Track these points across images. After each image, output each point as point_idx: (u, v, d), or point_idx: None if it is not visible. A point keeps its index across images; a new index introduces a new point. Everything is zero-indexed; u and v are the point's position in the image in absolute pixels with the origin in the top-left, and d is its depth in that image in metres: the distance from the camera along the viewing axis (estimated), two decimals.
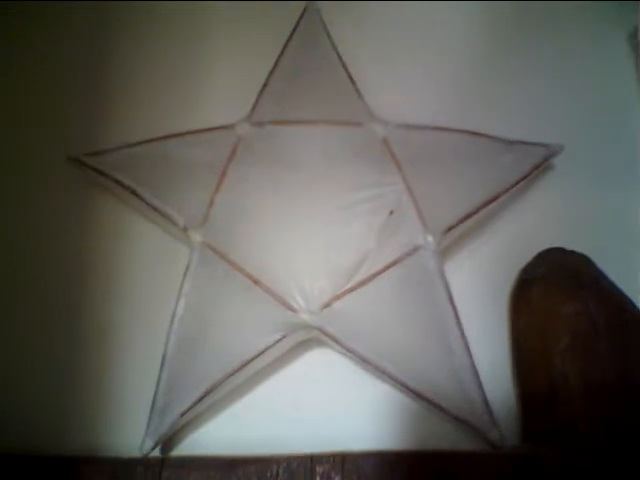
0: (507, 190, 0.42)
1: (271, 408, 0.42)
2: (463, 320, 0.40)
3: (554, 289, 0.40)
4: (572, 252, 0.42)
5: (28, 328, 0.43)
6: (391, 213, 0.41)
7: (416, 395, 0.38)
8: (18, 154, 0.48)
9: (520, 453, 0.37)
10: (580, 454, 0.35)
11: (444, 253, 0.42)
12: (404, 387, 0.39)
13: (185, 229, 0.41)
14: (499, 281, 0.43)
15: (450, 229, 0.40)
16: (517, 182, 0.42)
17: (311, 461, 0.36)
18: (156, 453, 0.39)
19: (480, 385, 0.39)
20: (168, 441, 0.40)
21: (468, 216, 0.41)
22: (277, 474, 0.36)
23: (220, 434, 0.41)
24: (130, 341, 0.43)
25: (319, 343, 0.42)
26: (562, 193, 0.46)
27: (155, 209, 0.42)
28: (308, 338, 0.42)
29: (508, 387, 0.41)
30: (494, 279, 0.44)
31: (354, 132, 0.43)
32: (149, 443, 0.38)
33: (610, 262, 0.42)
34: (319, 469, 0.36)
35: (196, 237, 0.40)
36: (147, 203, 0.42)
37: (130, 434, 0.39)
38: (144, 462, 0.37)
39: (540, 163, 0.43)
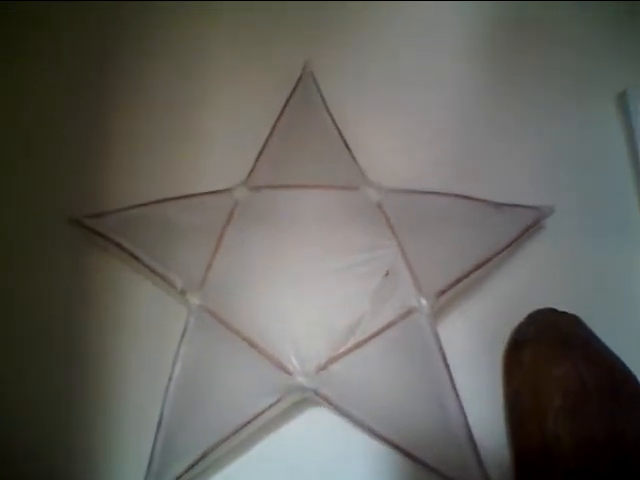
0: (498, 253, 0.43)
1: (265, 470, 0.42)
2: (457, 379, 0.40)
3: (545, 350, 0.40)
4: (563, 313, 0.43)
5: (25, 390, 0.44)
6: (387, 274, 0.42)
7: (413, 458, 0.39)
8: (18, 216, 0.49)
9: None
10: None
11: (437, 314, 0.43)
12: (398, 450, 0.39)
13: (183, 292, 0.42)
14: (492, 340, 0.44)
15: (443, 292, 0.41)
16: (508, 245, 0.43)
17: None
18: None
19: (475, 446, 0.39)
20: None
21: (460, 280, 0.42)
22: None
23: None
24: (127, 403, 0.43)
25: (314, 403, 0.42)
26: (553, 253, 0.47)
27: (153, 272, 0.42)
28: (303, 399, 0.42)
29: (502, 446, 0.41)
30: (487, 339, 0.45)
31: (349, 196, 0.44)
32: None
33: (601, 322, 0.43)
34: None
35: (194, 300, 0.41)
36: (146, 266, 0.43)
37: None
38: None
39: (530, 226, 0.45)
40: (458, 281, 0.41)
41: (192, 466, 0.38)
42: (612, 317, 0.44)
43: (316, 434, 0.42)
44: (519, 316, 0.44)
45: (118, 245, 0.43)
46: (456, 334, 0.44)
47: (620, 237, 0.48)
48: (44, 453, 0.42)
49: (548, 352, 0.40)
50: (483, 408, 0.42)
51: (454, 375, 0.40)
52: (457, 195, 0.44)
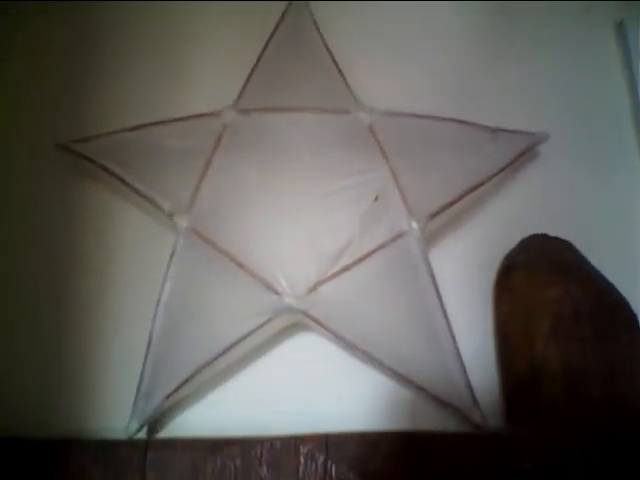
0: (491, 177, 0.42)
1: (256, 392, 0.42)
2: (447, 306, 0.40)
3: (536, 275, 0.40)
4: (555, 238, 0.42)
5: (14, 313, 0.44)
6: (376, 199, 0.41)
7: (400, 378, 0.39)
8: (4, 141, 0.48)
9: (502, 433, 0.38)
10: (562, 433, 0.36)
11: (429, 239, 0.43)
12: (387, 370, 0.39)
13: (171, 214, 0.41)
14: (483, 268, 0.44)
15: (434, 216, 0.41)
16: (501, 170, 0.43)
17: (295, 442, 0.37)
18: (142, 436, 0.39)
19: (463, 368, 0.39)
20: (153, 424, 0.41)
21: (452, 203, 0.41)
22: (261, 454, 0.36)
23: (205, 417, 0.41)
24: (116, 325, 0.43)
25: (304, 328, 0.43)
26: (546, 181, 0.47)
27: (141, 195, 0.42)
28: (293, 323, 0.42)
29: (491, 371, 0.42)
30: (478, 266, 0.44)
31: (340, 120, 0.43)
32: (134, 425, 0.39)
33: (592, 248, 0.42)
34: (303, 449, 0.36)
35: (182, 222, 0.40)
36: (133, 189, 0.42)
37: (116, 417, 0.39)
38: (129, 444, 0.38)
39: (524, 151, 0.44)
40: (450, 205, 0.41)
41: (181, 385, 0.38)
42: (605, 244, 0.44)
43: (305, 359, 0.43)
44: (511, 243, 0.44)
45: (105, 169, 0.43)
46: (447, 261, 0.44)
47: (614, 165, 0.48)
48: (36, 376, 0.42)
49: (540, 276, 0.40)
50: (473, 334, 0.42)
51: (445, 301, 0.40)
52: (452, 119, 0.43)
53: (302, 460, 0.36)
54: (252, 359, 0.42)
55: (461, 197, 0.41)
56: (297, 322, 0.42)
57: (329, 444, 0.36)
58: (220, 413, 0.41)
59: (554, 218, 0.45)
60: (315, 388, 0.42)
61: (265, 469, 0.36)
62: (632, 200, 0.46)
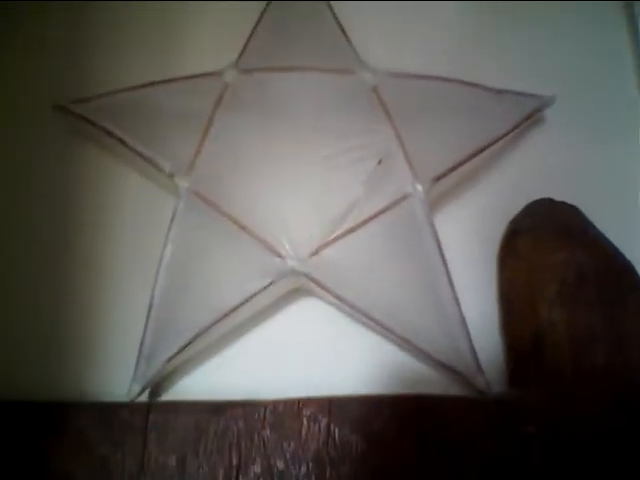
0: (497, 140, 0.42)
1: (258, 356, 0.42)
2: (452, 271, 0.40)
3: (542, 239, 0.40)
4: (561, 203, 0.42)
5: (14, 276, 0.43)
6: (379, 162, 0.40)
7: (403, 342, 0.39)
8: (2, 104, 0.47)
9: (506, 398, 0.38)
10: (566, 399, 0.36)
11: (434, 205, 0.42)
12: (391, 334, 0.39)
13: (171, 175, 0.40)
14: (488, 233, 0.43)
15: (439, 178, 0.40)
16: (508, 132, 0.42)
17: (298, 404, 0.36)
18: (143, 399, 0.39)
19: (467, 332, 0.39)
20: (155, 388, 0.41)
21: (457, 165, 0.40)
22: (264, 417, 0.36)
23: (207, 381, 0.41)
24: (118, 288, 0.42)
25: (307, 293, 0.42)
26: (553, 145, 0.46)
27: (141, 156, 0.41)
28: (296, 288, 0.42)
29: (495, 336, 0.41)
30: (483, 231, 0.44)
31: (344, 80, 0.42)
32: (136, 388, 0.38)
33: (599, 214, 0.42)
34: (306, 412, 0.36)
35: (183, 183, 0.40)
36: (133, 150, 0.41)
37: (117, 380, 0.39)
38: (131, 406, 0.37)
39: (531, 114, 0.43)
40: (455, 167, 0.40)
41: (183, 348, 0.38)
42: (611, 209, 0.43)
43: (308, 324, 0.42)
44: (517, 208, 0.43)
45: (105, 130, 0.42)
46: (452, 227, 0.43)
47: (621, 129, 0.47)
48: (37, 339, 0.42)
49: (545, 241, 0.40)
50: (477, 300, 0.42)
51: (449, 266, 0.40)
52: (458, 80, 0.42)
53: (305, 422, 0.36)
54: (255, 324, 0.42)
55: (467, 159, 0.40)
56: (300, 287, 0.41)
57: (332, 407, 0.36)
58: (223, 377, 0.41)
59: (560, 184, 0.44)
60: (318, 353, 0.42)
61: (268, 431, 0.36)
62: (639, 166, 0.46)
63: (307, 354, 0.42)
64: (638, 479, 0.34)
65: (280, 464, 0.35)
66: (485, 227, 0.44)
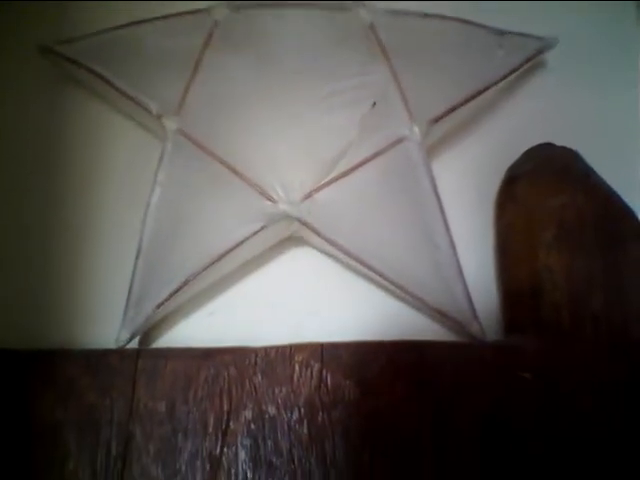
0: (497, 82, 0.40)
1: (250, 305, 0.41)
2: (449, 220, 0.39)
3: (541, 183, 0.39)
4: (561, 147, 0.40)
5: (1, 221, 0.42)
6: (374, 105, 0.39)
7: (397, 288, 0.38)
8: None
9: (502, 344, 0.37)
10: (563, 345, 0.35)
11: (431, 153, 0.41)
12: (386, 280, 0.38)
13: (159, 116, 0.39)
14: (487, 181, 0.42)
15: (437, 120, 0.39)
16: (508, 74, 0.41)
17: (290, 350, 0.36)
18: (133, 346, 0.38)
19: (463, 280, 0.38)
20: (145, 337, 0.40)
21: (455, 107, 0.39)
22: (255, 363, 0.35)
23: (198, 331, 0.40)
24: (106, 233, 0.41)
25: (300, 241, 0.41)
26: (553, 91, 0.44)
27: (128, 97, 0.40)
28: (289, 236, 0.41)
29: (492, 285, 0.41)
30: (481, 180, 0.42)
31: (339, 17, 0.41)
32: (125, 335, 0.37)
33: (600, 160, 0.40)
34: (298, 357, 0.35)
35: (170, 125, 0.38)
36: (120, 91, 0.40)
37: (107, 329, 0.38)
38: (119, 352, 0.37)
39: (533, 55, 0.42)
40: (453, 109, 0.39)
41: (173, 294, 0.37)
42: (612, 154, 0.42)
43: (301, 273, 0.42)
44: (515, 155, 0.42)
45: (91, 71, 0.40)
46: (451, 175, 0.42)
47: (622, 75, 0.45)
48: (25, 285, 0.41)
49: (544, 185, 0.38)
50: (474, 247, 0.41)
51: (446, 214, 0.39)
52: (458, 19, 0.41)
53: (297, 368, 0.35)
54: (247, 273, 0.41)
55: (466, 101, 0.39)
56: (293, 235, 0.40)
57: (324, 352, 0.35)
58: (214, 327, 0.40)
59: (560, 130, 0.42)
60: (311, 303, 0.41)
61: (259, 377, 0.35)
62: None
63: (300, 303, 0.41)
64: (634, 424, 0.34)
65: (272, 410, 0.35)
66: (483, 176, 0.43)
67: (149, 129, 0.42)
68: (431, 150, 0.41)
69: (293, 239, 0.41)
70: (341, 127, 0.38)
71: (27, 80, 0.45)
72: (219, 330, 0.40)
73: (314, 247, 0.41)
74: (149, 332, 0.40)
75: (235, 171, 0.37)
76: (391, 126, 0.38)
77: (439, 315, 0.38)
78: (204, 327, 0.41)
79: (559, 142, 0.41)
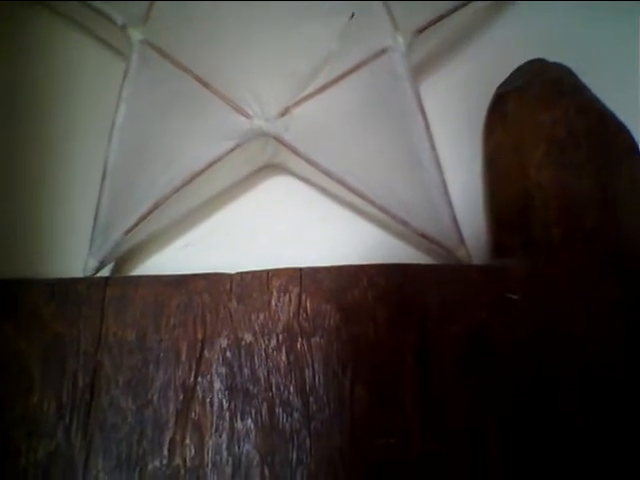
0: None
1: (227, 236, 0.39)
2: (436, 143, 0.37)
3: (532, 98, 0.36)
4: (554, 63, 0.38)
5: None
6: (352, 16, 0.36)
7: (382, 212, 0.36)
8: None
9: (489, 265, 0.35)
10: (553, 264, 0.33)
11: (418, 72, 0.39)
12: (367, 202, 0.36)
13: (124, 27, 0.36)
14: (476, 102, 0.40)
15: (422, 30, 0.36)
16: None
17: (267, 275, 0.34)
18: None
19: (449, 202, 0.36)
20: (117, 270, 0.38)
21: (441, 17, 0.36)
22: (230, 289, 0.33)
23: (173, 263, 0.38)
24: (71, 156, 0.39)
25: (278, 170, 0.39)
26: (546, 7, 0.42)
27: (91, 8, 0.37)
28: (266, 163, 0.38)
29: (479, 209, 0.39)
30: (470, 100, 0.40)
31: None
32: (92, 263, 0.35)
33: (593, 77, 0.38)
34: (276, 282, 0.33)
35: (136, 35, 0.35)
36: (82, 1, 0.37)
37: (73, 256, 0.36)
38: (87, 281, 0.34)
39: None
40: (440, 18, 0.36)
41: (142, 219, 0.35)
42: (606, 71, 0.40)
43: (279, 202, 0.40)
44: (506, 74, 0.39)
45: None
46: (438, 96, 0.40)
47: None
48: None
49: (535, 100, 0.36)
50: (462, 170, 0.39)
51: (433, 138, 0.37)
52: None
53: (275, 293, 0.33)
54: (222, 203, 0.39)
55: (452, 11, 0.36)
56: (270, 162, 0.38)
57: (304, 277, 0.33)
58: (188, 258, 0.38)
59: (553, 48, 0.40)
60: (290, 232, 0.39)
61: (235, 303, 0.33)
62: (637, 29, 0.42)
63: (279, 233, 0.39)
64: (628, 345, 0.32)
65: (248, 337, 0.33)
66: (472, 97, 0.40)
67: (118, 50, 0.39)
68: (416, 71, 0.39)
69: (271, 167, 0.39)
70: (319, 38, 0.36)
71: None
72: (194, 261, 0.38)
73: (293, 174, 0.39)
74: (121, 265, 0.38)
75: (205, 84, 0.35)
76: (374, 36, 0.36)
77: (425, 239, 0.36)
78: (179, 259, 0.39)
79: (553, 59, 0.39)
